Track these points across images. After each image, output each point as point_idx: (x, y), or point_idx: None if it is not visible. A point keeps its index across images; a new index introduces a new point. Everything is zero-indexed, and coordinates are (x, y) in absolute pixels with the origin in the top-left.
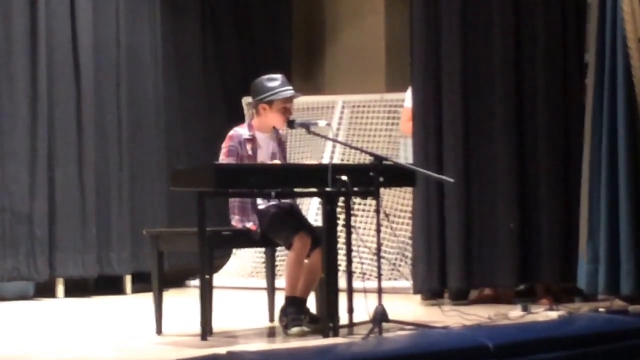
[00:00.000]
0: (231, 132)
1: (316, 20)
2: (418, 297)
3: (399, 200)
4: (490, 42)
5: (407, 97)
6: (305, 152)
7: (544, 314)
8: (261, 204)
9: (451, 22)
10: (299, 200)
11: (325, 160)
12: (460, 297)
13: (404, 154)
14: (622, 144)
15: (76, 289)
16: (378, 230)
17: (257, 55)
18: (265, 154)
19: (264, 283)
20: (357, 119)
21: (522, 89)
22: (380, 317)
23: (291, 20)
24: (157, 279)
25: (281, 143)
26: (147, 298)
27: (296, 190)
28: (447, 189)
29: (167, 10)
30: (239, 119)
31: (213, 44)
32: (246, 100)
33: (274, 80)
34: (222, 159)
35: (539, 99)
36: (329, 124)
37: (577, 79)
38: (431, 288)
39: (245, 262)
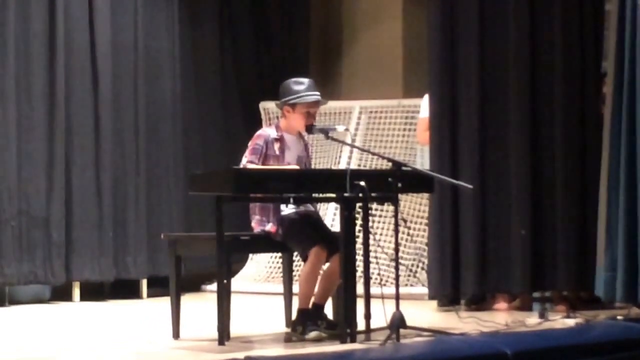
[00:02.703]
0: (259, 132)
1: (333, 25)
2: (434, 303)
3: (415, 206)
4: (506, 49)
5: (422, 108)
6: (322, 157)
7: (561, 321)
8: (283, 210)
9: (468, 30)
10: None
11: (342, 166)
12: (476, 303)
13: (421, 160)
14: None
15: (92, 292)
16: (396, 236)
17: (274, 60)
18: (292, 156)
19: (280, 288)
20: (374, 124)
21: (538, 97)
22: (398, 323)
23: (309, 25)
24: (174, 284)
25: (307, 147)
26: (163, 302)
27: (314, 195)
28: (461, 195)
29: (185, 15)
30: (256, 123)
31: (231, 49)
32: (263, 104)
33: (301, 84)
34: (246, 155)
35: (556, 107)
36: (347, 130)
37: (594, 87)
38: (445, 294)
39: (261, 266)
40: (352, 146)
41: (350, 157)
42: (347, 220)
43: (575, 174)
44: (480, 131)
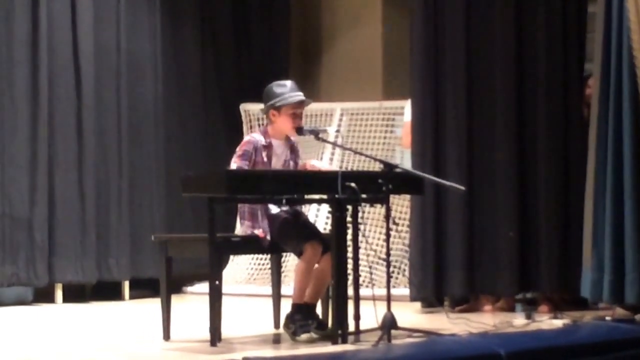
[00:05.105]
0: (248, 137)
1: (313, 28)
2: (417, 304)
3: (397, 208)
4: (491, 51)
5: (406, 112)
6: (304, 158)
7: (548, 322)
8: (273, 209)
9: (451, 33)
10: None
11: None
12: (460, 305)
13: (401, 162)
14: (628, 154)
15: (74, 294)
16: (387, 238)
17: (255, 62)
18: (279, 163)
19: (262, 289)
20: (355, 126)
21: (522, 99)
22: (389, 324)
23: (289, 28)
24: (165, 285)
25: (294, 149)
26: (146, 304)
27: (306, 197)
28: (443, 197)
29: (167, 18)
30: (236, 125)
31: (211, 52)
32: (244, 106)
33: (283, 87)
34: (235, 161)
35: (540, 109)
36: (338, 131)
37: (578, 89)
38: (427, 296)
39: (241, 268)
40: (343, 148)
41: (331, 159)
42: (339, 221)
43: (560, 176)
44: (465, 133)
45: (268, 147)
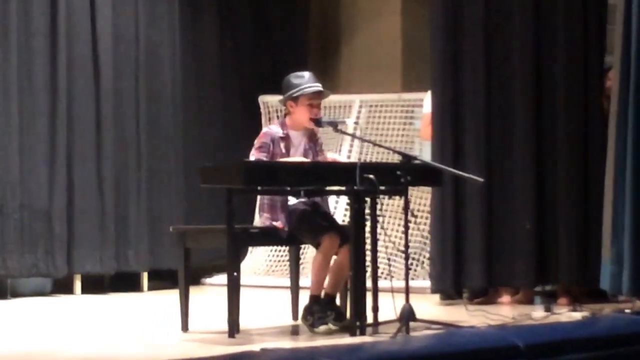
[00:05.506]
0: (265, 129)
1: (333, 19)
2: (436, 296)
3: (416, 200)
4: (510, 43)
5: (425, 103)
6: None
7: (567, 314)
8: (291, 201)
9: (471, 25)
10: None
11: (344, 158)
12: (479, 297)
13: (420, 154)
14: None
15: (93, 285)
16: (406, 230)
17: (273, 53)
18: (297, 153)
19: (280, 281)
20: (374, 118)
21: (542, 91)
22: (407, 315)
23: (308, 18)
24: (183, 276)
25: (313, 139)
26: (165, 295)
27: (325, 188)
28: (463, 189)
29: (185, 7)
30: (255, 116)
31: (230, 43)
32: (262, 98)
33: (301, 77)
34: (253, 153)
35: (560, 101)
36: (357, 123)
37: (597, 81)
38: (446, 288)
39: (260, 260)
40: (362, 139)
41: (350, 150)
42: (357, 213)
43: (579, 168)
44: (484, 125)
45: (285, 138)
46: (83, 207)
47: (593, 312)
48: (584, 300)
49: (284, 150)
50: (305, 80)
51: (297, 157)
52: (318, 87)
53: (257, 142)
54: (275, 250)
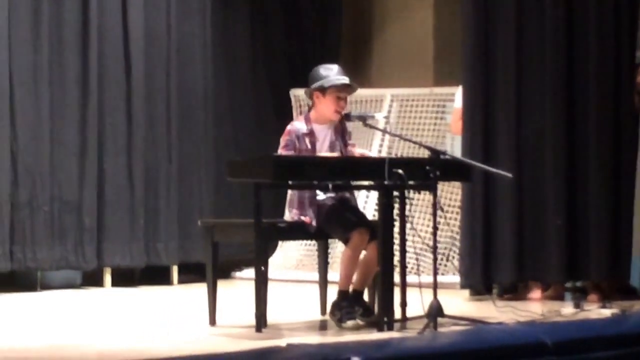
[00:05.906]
0: (289, 127)
1: (365, 13)
2: (465, 292)
3: (446, 195)
4: (541, 39)
5: (457, 98)
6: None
7: (597, 311)
8: (320, 196)
9: (503, 20)
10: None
11: (374, 153)
12: (509, 293)
13: (451, 149)
14: None
15: (123, 278)
16: (434, 225)
17: (305, 48)
18: (323, 147)
19: (310, 276)
20: (405, 112)
21: (573, 86)
22: (435, 312)
23: (340, 12)
24: (211, 270)
25: (339, 131)
26: (194, 289)
27: (353, 183)
28: (493, 185)
29: (217, 3)
30: (286, 110)
31: (262, 36)
32: (294, 92)
33: (329, 69)
34: (280, 152)
35: (591, 97)
36: (386, 117)
37: (628, 77)
38: (475, 283)
39: (290, 254)
40: (391, 134)
41: (381, 145)
42: (386, 208)
43: (610, 163)
44: (515, 120)
45: (310, 134)
46: (113, 200)
47: (623, 309)
48: (614, 297)
49: (309, 146)
50: (334, 73)
51: (325, 153)
52: (346, 80)
53: (282, 141)
54: (306, 245)
